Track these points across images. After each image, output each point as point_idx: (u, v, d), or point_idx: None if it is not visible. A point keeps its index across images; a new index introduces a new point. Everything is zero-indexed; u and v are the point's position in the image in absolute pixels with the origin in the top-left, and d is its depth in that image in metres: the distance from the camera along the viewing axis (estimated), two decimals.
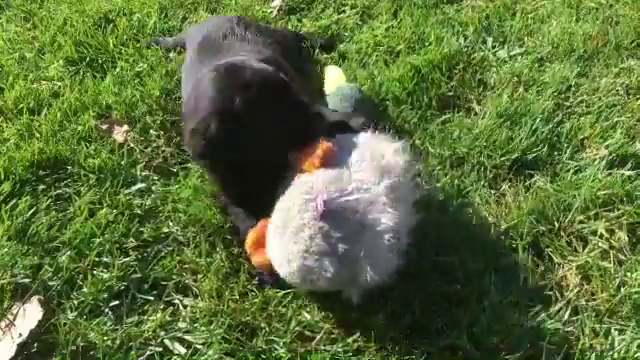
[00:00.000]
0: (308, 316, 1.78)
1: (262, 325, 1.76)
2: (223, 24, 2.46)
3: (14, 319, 1.79)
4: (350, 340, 1.73)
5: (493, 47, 2.75)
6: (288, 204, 1.71)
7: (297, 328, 1.76)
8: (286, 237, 1.67)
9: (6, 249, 1.96)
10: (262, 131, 1.79)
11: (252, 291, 1.84)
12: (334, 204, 1.64)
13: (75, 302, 1.84)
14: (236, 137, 1.76)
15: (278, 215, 1.73)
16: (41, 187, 2.18)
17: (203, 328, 1.77)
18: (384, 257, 1.64)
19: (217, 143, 1.78)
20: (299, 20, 2.98)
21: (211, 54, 2.24)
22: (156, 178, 2.22)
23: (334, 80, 2.49)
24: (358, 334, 1.74)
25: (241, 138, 1.77)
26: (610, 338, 1.73)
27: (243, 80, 1.79)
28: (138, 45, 2.82)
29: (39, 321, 1.77)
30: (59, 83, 2.63)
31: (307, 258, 1.63)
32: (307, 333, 1.76)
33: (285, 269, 1.69)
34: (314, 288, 1.72)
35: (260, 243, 1.77)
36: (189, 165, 2.26)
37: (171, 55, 2.76)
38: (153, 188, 2.18)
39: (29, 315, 1.79)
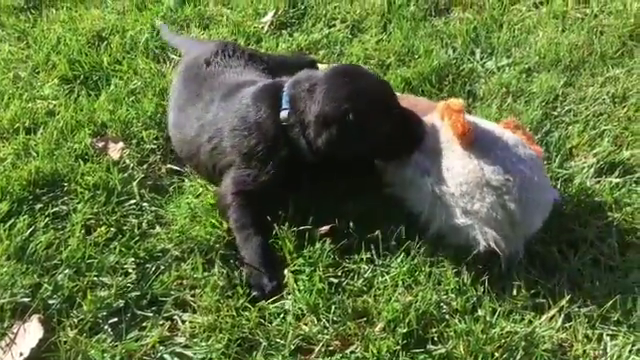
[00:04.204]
0: (306, 329, 1.80)
1: (260, 340, 1.78)
2: (206, 50, 2.48)
3: (15, 338, 1.80)
4: (348, 352, 1.76)
5: (481, 59, 2.81)
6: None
7: (295, 341, 1.78)
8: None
9: (5, 268, 1.97)
10: (380, 135, 1.97)
11: (248, 308, 1.86)
12: None
13: (75, 320, 1.86)
14: (363, 134, 1.94)
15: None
16: (38, 206, 2.19)
17: (202, 343, 1.79)
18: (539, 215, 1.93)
19: (350, 136, 1.93)
20: (290, 35, 3.02)
21: (195, 84, 2.32)
22: (151, 196, 2.25)
23: None
24: (356, 345, 1.77)
25: (366, 136, 1.95)
26: (603, 343, 1.77)
27: (374, 86, 2.01)
28: (130, 58, 2.85)
29: (39, 340, 1.78)
30: (54, 102, 2.65)
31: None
32: (305, 346, 1.78)
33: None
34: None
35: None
36: (183, 184, 2.30)
37: (166, 68, 2.80)
38: (148, 206, 2.21)
39: (30, 334, 1.80)
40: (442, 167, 1.94)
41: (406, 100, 2.25)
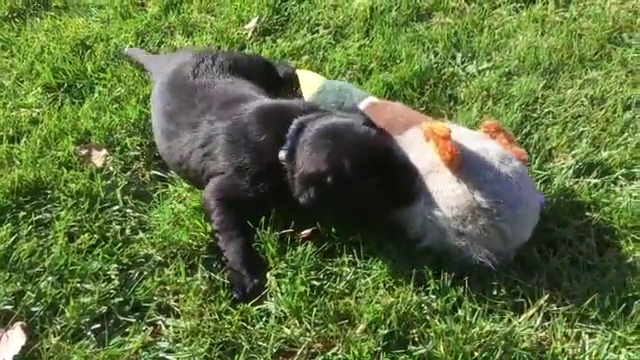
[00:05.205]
0: (288, 331, 1.82)
1: (243, 343, 1.80)
2: (190, 60, 2.49)
3: None
4: (330, 354, 1.77)
5: (462, 62, 2.84)
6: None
7: (277, 344, 1.79)
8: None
9: None
10: (363, 194, 1.94)
11: (230, 312, 1.87)
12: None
13: (58, 327, 1.87)
14: (345, 194, 1.92)
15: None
16: (22, 214, 2.19)
17: (185, 348, 1.80)
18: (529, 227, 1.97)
19: (330, 197, 1.93)
20: (273, 41, 3.04)
21: (185, 93, 2.33)
22: (135, 202, 2.26)
23: (315, 81, 2.56)
24: (337, 347, 1.78)
25: (348, 196, 1.93)
26: (581, 342, 1.80)
27: (354, 145, 1.95)
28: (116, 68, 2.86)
29: (22, 347, 1.79)
30: (38, 110, 2.66)
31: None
32: (287, 348, 1.80)
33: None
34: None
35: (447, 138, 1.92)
36: (167, 190, 2.31)
37: (148, 77, 2.81)
38: (131, 212, 2.22)
39: (12, 341, 1.81)
40: (432, 190, 1.94)
41: (390, 109, 2.28)
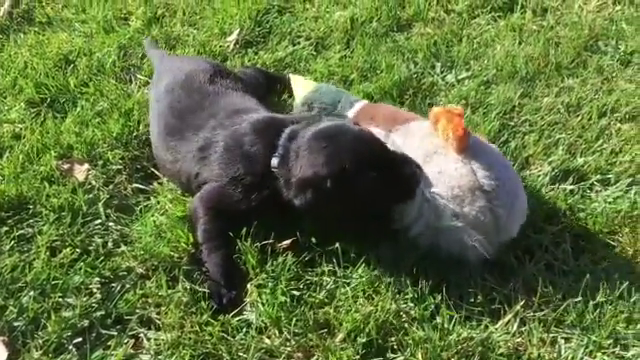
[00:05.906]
0: (269, 342, 1.84)
1: (223, 354, 1.81)
2: (206, 67, 2.57)
3: None
4: None
5: (442, 72, 2.89)
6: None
7: (258, 354, 1.81)
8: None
9: None
10: (366, 192, 1.98)
11: (211, 323, 1.88)
12: None
13: (40, 341, 1.87)
14: (345, 196, 1.95)
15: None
16: (4, 229, 2.20)
17: None
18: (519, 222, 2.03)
19: (329, 200, 1.96)
20: (255, 53, 3.07)
21: (198, 95, 2.40)
22: (117, 216, 2.27)
23: (305, 85, 2.62)
24: (317, 357, 1.80)
25: (349, 197, 1.96)
26: (557, 346, 1.84)
27: (352, 145, 1.99)
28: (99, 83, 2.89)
29: None
30: (20, 125, 2.66)
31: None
32: (268, 358, 1.81)
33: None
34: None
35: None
36: (149, 202, 2.33)
37: (132, 89, 2.84)
38: (114, 225, 2.24)
39: None
40: (432, 171, 1.99)
41: (384, 108, 2.35)
